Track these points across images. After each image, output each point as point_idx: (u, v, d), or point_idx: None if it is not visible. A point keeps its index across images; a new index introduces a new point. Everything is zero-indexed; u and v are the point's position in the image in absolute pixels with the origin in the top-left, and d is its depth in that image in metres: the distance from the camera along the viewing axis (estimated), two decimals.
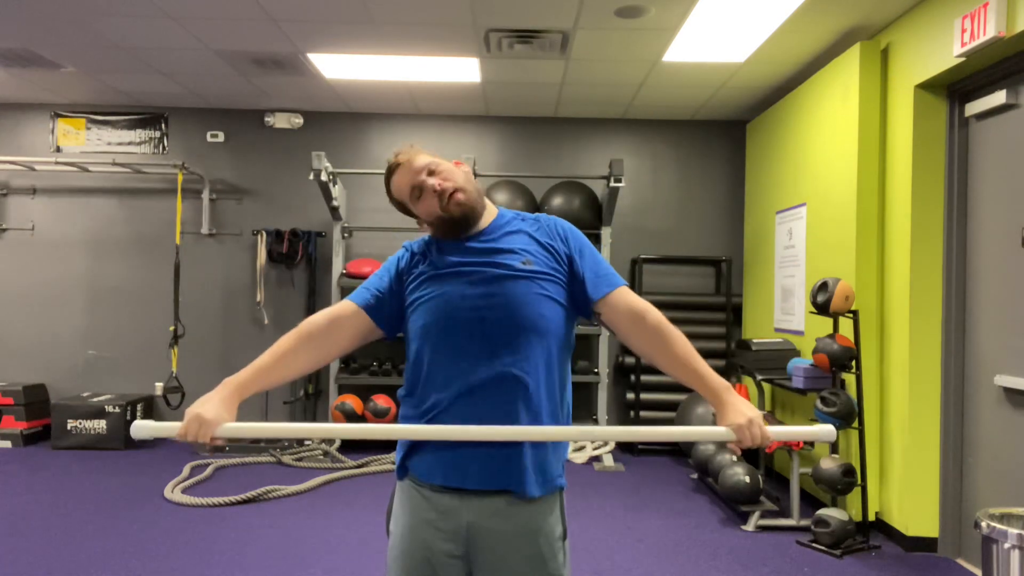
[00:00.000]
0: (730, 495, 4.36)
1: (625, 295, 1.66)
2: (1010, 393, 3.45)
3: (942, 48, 3.65)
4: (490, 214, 1.71)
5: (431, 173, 1.65)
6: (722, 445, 4.97)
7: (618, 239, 6.26)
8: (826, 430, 1.66)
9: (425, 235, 1.74)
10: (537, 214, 1.76)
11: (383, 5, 4.13)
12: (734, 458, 4.57)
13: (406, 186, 1.67)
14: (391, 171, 1.69)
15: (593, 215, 6.02)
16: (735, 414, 1.57)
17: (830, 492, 3.96)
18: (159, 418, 6.24)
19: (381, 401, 5.81)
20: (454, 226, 1.65)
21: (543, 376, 1.60)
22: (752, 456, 4.89)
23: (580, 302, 1.67)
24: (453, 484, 1.58)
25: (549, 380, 1.61)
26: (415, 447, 1.62)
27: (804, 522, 4.06)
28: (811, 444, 4.17)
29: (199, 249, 6.38)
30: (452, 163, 1.71)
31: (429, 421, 1.59)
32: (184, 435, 1.54)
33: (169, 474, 5.00)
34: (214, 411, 1.55)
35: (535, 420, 1.59)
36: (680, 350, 1.62)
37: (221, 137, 6.43)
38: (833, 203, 4.51)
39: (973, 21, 3.35)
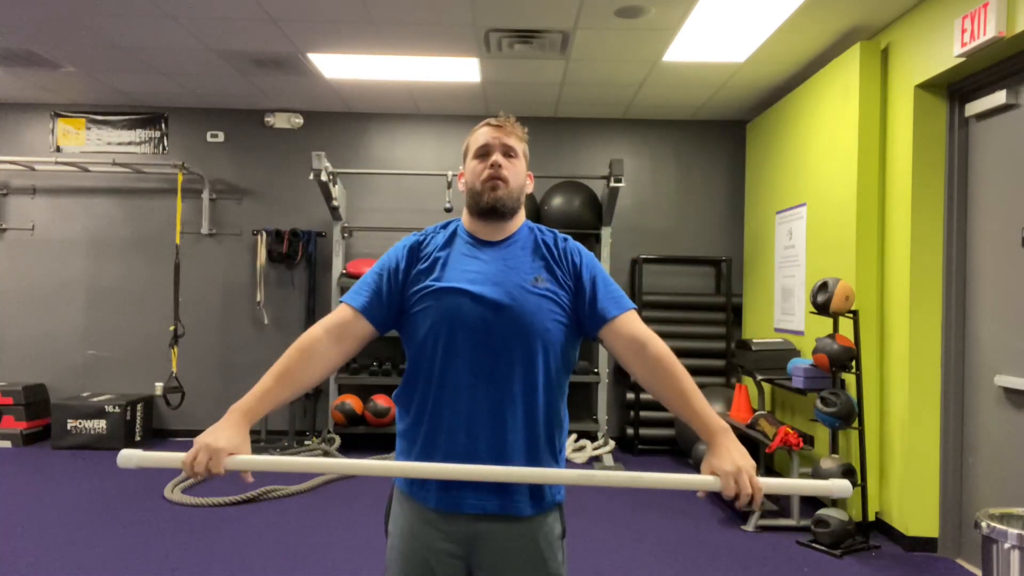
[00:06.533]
0: None
1: (631, 320, 1.64)
2: (1010, 393, 3.45)
3: (942, 48, 3.65)
4: (517, 221, 1.70)
5: (506, 153, 1.66)
6: None
7: (618, 239, 6.26)
8: (841, 485, 1.52)
9: (450, 222, 1.73)
10: (555, 233, 1.73)
11: (383, 5, 4.13)
12: None
13: (484, 138, 1.67)
14: (487, 123, 1.70)
15: (593, 215, 6.02)
16: (726, 460, 1.49)
17: None
18: (159, 419, 6.29)
19: (381, 401, 5.81)
20: (476, 203, 1.66)
21: (542, 393, 1.60)
22: (751, 456, 4.87)
23: (586, 322, 1.66)
24: (447, 509, 1.58)
25: (548, 397, 1.61)
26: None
27: (804, 522, 4.06)
28: (811, 444, 4.17)
29: (199, 249, 6.38)
30: (528, 171, 1.73)
31: (426, 434, 1.59)
32: (191, 466, 1.44)
33: (169, 474, 4.98)
34: (226, 439, 1.46)
35: (532, 437, 1.59)
36: (680, 385, 1.56)
37: (221, 137, 6.44)
38: (833, 203, 4.51)
39: (973, 21, 3.35)
